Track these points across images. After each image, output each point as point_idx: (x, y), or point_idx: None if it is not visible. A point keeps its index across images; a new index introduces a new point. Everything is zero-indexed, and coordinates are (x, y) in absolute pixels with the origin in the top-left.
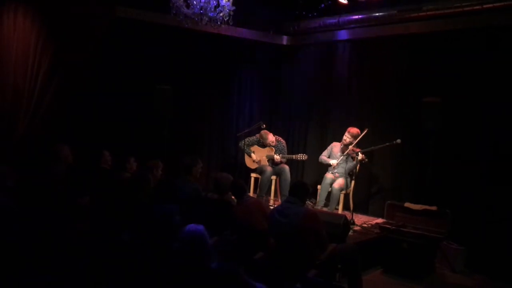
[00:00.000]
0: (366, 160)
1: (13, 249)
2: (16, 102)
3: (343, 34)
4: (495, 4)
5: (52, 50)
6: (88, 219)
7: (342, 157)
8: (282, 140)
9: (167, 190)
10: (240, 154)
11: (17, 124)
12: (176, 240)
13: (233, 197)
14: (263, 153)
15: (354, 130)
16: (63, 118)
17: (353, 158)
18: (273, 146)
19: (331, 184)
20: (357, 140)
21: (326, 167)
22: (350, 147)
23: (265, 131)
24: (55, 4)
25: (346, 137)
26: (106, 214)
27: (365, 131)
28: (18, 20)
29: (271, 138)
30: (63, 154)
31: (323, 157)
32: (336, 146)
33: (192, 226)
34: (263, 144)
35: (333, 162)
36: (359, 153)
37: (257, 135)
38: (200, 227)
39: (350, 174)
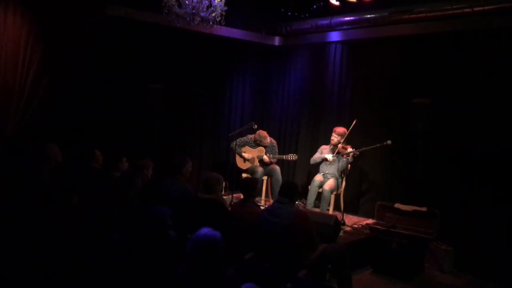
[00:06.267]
0: (358, 153)
1: (2, 249)
2: (6, 101)
3: (335, 35)
4: (485, 7)
5: (42, 48)
6: (78, 219)
7: (334, 157)
8: (273, 140)
9: (156, 190)
10: (231, 154)
11: (7, 123)
12: (167, 242)
13: (226, 196)
14: (254, 153)
15: (340, 129)
16: (54, 117)
17: (343, 156)
18: (265, 147)
19: (319, 187)
20: (344, 138)
21: (317, 168)
22: (340, 145)
23: (263, 131)
24: (46, 2)
25: (334, 137)
26: (96, 214)
27: (354, 122)
28: (8, 17)
29: (268, 139)
30: (52, 153)
31: (315, 156)
32: (325, 149)
33: (209, 231)
34: (254, 145)
35: (328, 156)
36: (349, 148)
37: (251, 135)
38: (217, 233)
39: (341, 174)
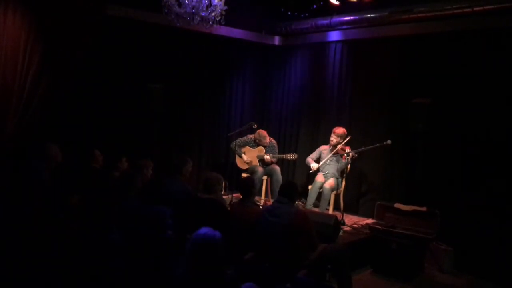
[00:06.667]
0: (356, 155)
1: (2, 249)
2: (6, 101)
3: (334, 35)
4: (485, 7)
5: (42, 48)
6: (78, 219)
7: (326, 158)
8: (273, 140)
9: (156, 190)
10: (231, 154)
11: (7, 123)
12: (166, 242)
13: (226, 195)
14: (254, 153)
15: (340, 130)
16: (54, 117)
17: (342, 156)
18: (264, 146)
19: (321, 188)
20: (345, 141)
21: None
22: (339, 146)
23: (263, 131)
24: (46, 2)
25: (333, 138)
26: (96, 214)
27: (348, 138)
28: (8, 17)
29: (267, 138)
30: (52, 153)
31: (309, 158)
32: (325, 149)
33: (208, 231)
34: (254, 144)
35: (313, 166)
36: (347, 150)
37: (251, 135)
38: (217, 233)
39: (341, 174)
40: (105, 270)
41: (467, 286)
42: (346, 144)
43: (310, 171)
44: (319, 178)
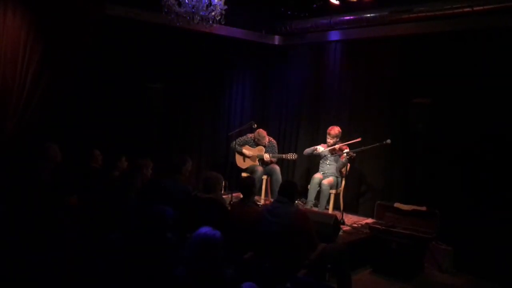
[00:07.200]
0: (354, 155)
1: (2, 249)
2: (5, 101)
3: (334, 35)
4: (485, 7)
5: (42, 48)
6: (77, 219)
7: (328, 154)
8: (273, 140)
9: (156, 189)
10: (231, 154)
11: (6, 122)
12: (166, 242)
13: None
14: (253, 152)
15: (334, 130)
16: (53, 117)
17: (340, 156)
18: (264, 146)
19: (319, 184)
20: (340, 137)
21: (317, 167)
22: (336, 146)
23: (263, 130)
24: (45, 2)
25: (329, 139)
26: (95, 214)
27: (358, 140)
28: (8, 17)
29: (267, 138)
30: (51, 153)
31: (309, 148)
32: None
33: (208, 230)
34: (254, 144)
35: (318, 148)
36: (345, 150)
37: (251, 134)
38: (217, 232)
39: (340, 173)
40: (105, 270)
41: (467, 285)
42: (347, 144)
43: (314, 152)
44: (317, 175)
